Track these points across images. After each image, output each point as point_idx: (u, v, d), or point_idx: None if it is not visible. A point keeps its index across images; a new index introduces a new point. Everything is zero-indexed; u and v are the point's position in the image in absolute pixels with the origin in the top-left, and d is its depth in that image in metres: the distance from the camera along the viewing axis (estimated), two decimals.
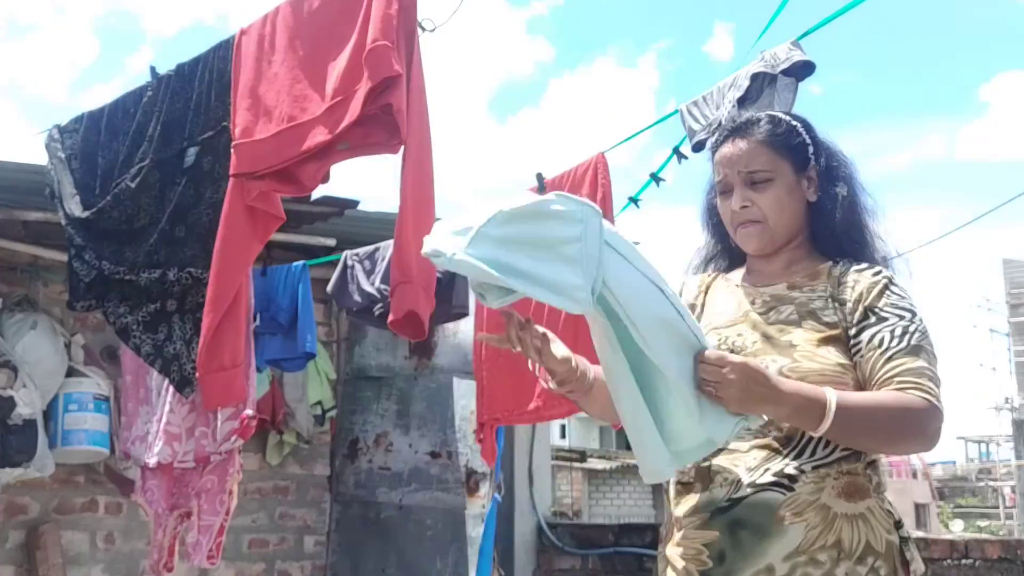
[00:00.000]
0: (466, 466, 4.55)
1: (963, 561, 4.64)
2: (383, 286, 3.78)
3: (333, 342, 5.22)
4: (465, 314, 3.56)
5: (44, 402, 4.02)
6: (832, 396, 1.53)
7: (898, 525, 1.64)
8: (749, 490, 1.61)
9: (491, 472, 4.39)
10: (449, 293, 3.58)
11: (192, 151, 2.63)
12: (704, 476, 1.67)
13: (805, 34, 2.56)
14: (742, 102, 2.56)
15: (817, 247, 1.79)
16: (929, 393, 1.59)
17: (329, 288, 4.00)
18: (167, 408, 3.15)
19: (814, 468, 1.60)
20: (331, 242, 4.58)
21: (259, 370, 4.38)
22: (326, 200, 4.27)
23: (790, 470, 1.60)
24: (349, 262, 3.96)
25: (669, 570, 1.71)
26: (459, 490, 4.55)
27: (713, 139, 1.88)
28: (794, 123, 1.80)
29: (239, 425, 3.01)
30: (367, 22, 2.22)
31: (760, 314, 1.73)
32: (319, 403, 4.92)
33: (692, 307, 1.85)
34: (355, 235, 4.46)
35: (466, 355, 4.61)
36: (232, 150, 2.48)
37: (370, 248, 3.98)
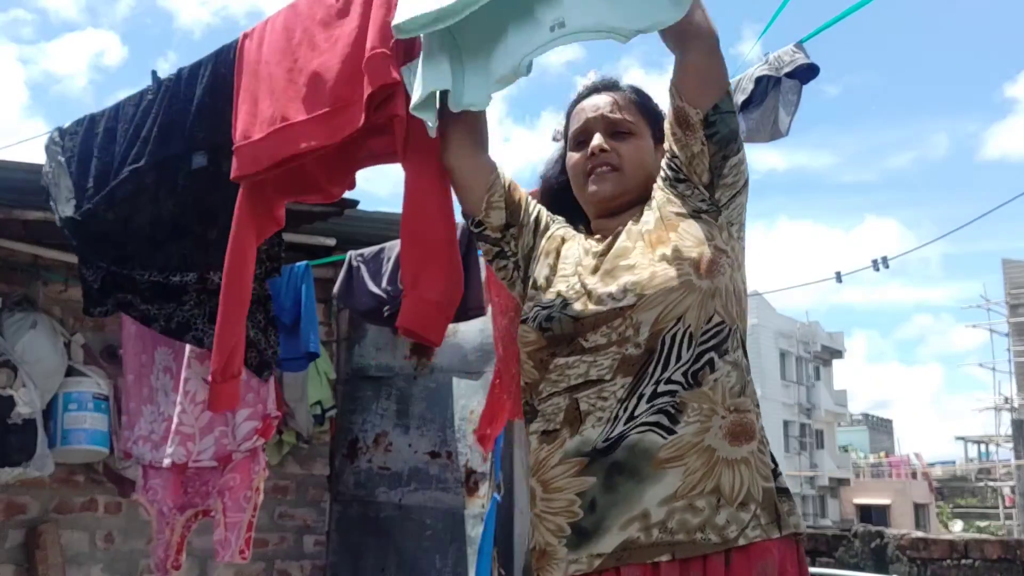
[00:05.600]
0: (466, 466, 4.55)
1: (963, 561, 4.64)
2: (390, 287, 3.78)
3: (333, 342, 5.22)
4: (482, 314, 3.54)
5: (44, 401, 4.02)
6: None
7: (775, 473, 1.59)
8: (625, 427, 1.54)
9: (490, 472, 4.39)
10: (464, 293, 3.56)
11: (200, 155, 2.62)
12: (573, 419, 1.59)
13: (809, 36, 2.56)
14: (747, 105, 2.57)
15: None
16: None
17: (335, 290, 4.01)
18: (179, 408, 3.15)
19: (690, 377, 1.54)
20: (331, 242, 4.59)
21: None
22: None
23: (664, 388, 1.54)
24: (354, 263, 3.96)
25: (539, 529, 1.62)
26: (459, 490, 4.56)
27: (573, 98, 1.87)
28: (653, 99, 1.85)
29: (261, 424, 3.07)
30: (364, 30, 2.21)
31: (600, 256, 1.70)
32: (319, 403, 4.92)
33: (544, 226, 1.85)
34: (355, 235, 4.47)
35: (466, 355, 4.61)
36: (234, 153, 2.48)
37: (375, 249, 3.97)
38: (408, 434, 4.82)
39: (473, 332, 4.48)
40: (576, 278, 1.69)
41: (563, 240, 1.81)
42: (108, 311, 2.93)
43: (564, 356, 1.61)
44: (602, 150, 1.74)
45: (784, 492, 1.58)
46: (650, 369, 1.55)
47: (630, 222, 1.72)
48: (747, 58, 2.66)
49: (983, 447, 32.77)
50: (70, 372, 4.17)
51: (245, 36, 2.58)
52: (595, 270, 1.68)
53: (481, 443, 3.60)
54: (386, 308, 3.77)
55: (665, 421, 1.53)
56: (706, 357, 1.55)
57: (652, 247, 1.63)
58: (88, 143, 2.97)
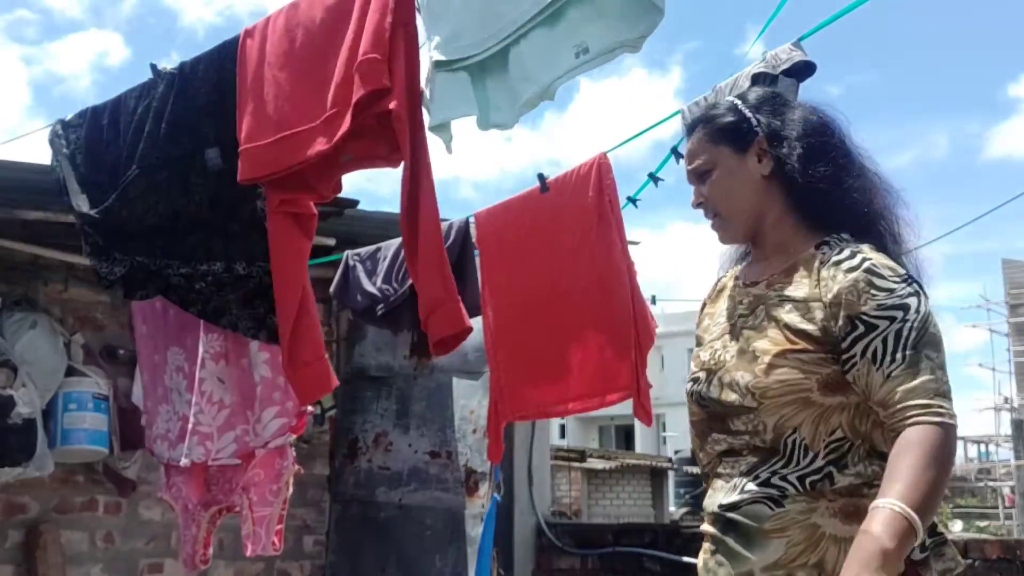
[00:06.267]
0: (466, 466, 4.55)
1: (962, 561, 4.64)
2: (385, 286, 3.78)
3: (332, 342, 5.22)
4: (479, 313, 3.53)
5: (43, 401, 4.02)
6: (909, 512, 1.42)
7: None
8: (739, 497, 1.64)
9: (490, 472, 4.39)
10: (460, 292, 3.55)
11: (213, 152, 2.63)
12: (709, 479, 1.75)
13: (807, 35, 2.56)
14: None
15: (805, 221, 1.72)
16: (941, 412, 1.50)
17: (332, 289, 4.01)
18: (195, 409, 3.16)
19: (806, 484, 1.59)
20: (331, 242, 4.58)
21: None
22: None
23: (777, 480, 1.61)
24: (351, 262, 3.96)
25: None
26: (458, 490, 4.56)
27: None
28: (731, 101, 1.79)
29: (295, 422, 3.12)
30: (359, 35, 2.22)
31: (742, 317, 1.73)
32: (319, 403, 4.91)
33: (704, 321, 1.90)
34: (354, 235, 4.47)
35: (466, 355, 4.61)
36: (239, 155, 2.48)
37: (371, 248, 3.98)
38: (408, 434, 4.82)
39: (473, 332, 4.48)
40: (720, 342, 1.75)
41: (713, 302, 1.88)
42: (148, 295, 2.97)
43: (718, 432, 1.71)
44: (698, 204, 1.80)
45: (923, 564, 1.57)
46: (772, 460, 1.63)
47: (779, 283, 1.69)
48: (748, 57, 2.65)
49: (983, 447, 32.75)
50: (70, 372, 4.17)
51: (247, 34, 2.59)
52: (738, 337, 1.71)
53: (491, 456, 3.56)
54: (380, 307, 3.77)
55: (775, 494, 1.61)
56: (826, 471, 1.60)
57: (786, 342, 1.63)
58: (93, 137, 2.96)
